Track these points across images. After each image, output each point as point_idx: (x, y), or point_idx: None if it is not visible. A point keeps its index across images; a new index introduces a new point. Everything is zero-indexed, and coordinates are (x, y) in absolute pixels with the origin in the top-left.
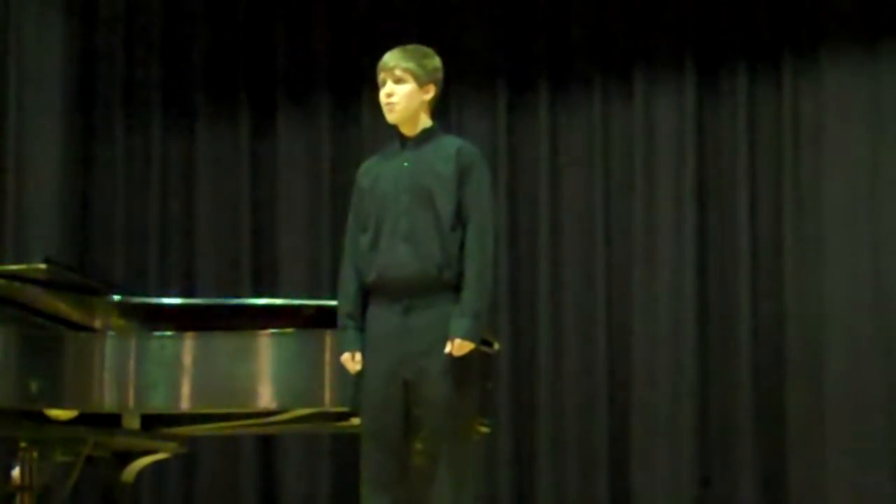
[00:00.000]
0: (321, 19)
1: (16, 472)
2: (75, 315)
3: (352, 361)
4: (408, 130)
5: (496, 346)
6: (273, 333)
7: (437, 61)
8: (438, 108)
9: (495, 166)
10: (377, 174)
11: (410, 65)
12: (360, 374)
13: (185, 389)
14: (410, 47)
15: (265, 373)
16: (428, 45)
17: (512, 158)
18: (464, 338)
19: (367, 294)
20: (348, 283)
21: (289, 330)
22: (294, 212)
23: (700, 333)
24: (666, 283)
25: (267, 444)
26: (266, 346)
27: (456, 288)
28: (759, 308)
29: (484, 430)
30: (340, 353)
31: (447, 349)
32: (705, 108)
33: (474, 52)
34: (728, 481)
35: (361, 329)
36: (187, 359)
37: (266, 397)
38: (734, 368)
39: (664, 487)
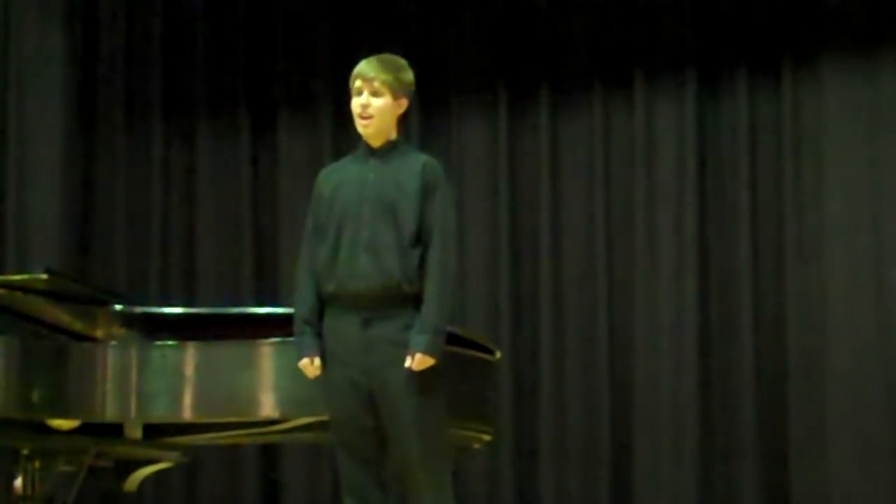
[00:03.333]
0: (321, 24)
1: (18, 482)
2: (77, 325)
3: (311, 367)
4: (375, 141)
5: (498, 354)
6: (275, 342)
7: (412, 75)
8: (439, 115)
9: (496, 173)
10: (339, 182)
11: (389, 77)
12: (323, 386)
13: (187, 399)
14: (387, 58)
15: (267, 382)
16: (428, 51)
17: (512, 164)
18: (424, 352)
19: (322, 302)
20: (305, 289)
21: (290, 339)
22: (295, 217)
23: (702, 338)
24: (667, 289)
25: (269, 454)
26: (268, 355)
27: (416, 300)
28: (761, 313)
29: (486, 437)
30: (298, 360)
31: (407, 363)
32: (706, 114)
33: (475, 57)
34: (731, 484)
35: (318, 334)
36: (189, 368)
37: (268, 406)
38: (736, 372)
39: (666, 491)
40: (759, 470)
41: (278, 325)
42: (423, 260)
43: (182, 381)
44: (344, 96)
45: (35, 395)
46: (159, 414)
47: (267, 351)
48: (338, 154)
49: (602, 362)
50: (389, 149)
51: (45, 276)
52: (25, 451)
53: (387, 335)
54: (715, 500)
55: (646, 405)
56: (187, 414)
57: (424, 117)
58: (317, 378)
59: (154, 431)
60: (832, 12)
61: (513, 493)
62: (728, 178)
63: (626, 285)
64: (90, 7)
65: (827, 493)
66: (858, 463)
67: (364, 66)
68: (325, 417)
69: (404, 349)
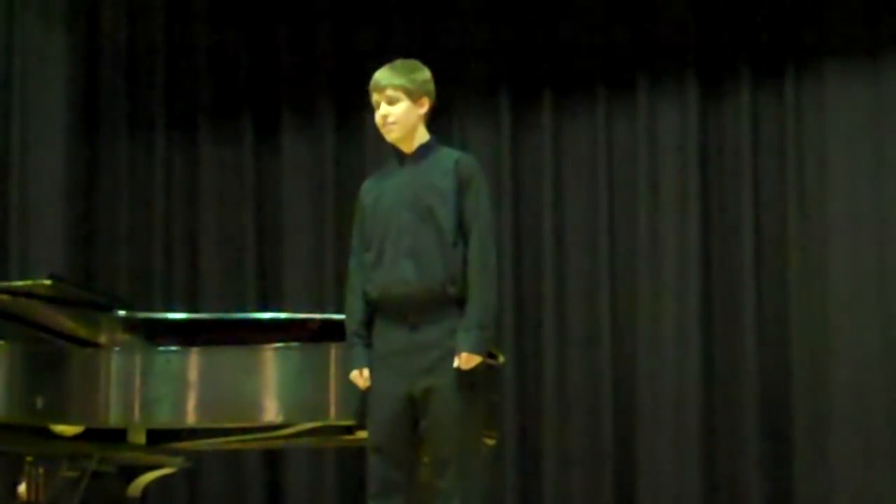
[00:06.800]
0: (324, 29)
1: (22, 487)
2: (80, 331)
3: (361, 378)
4: (406, 147)
5: (501, 358)
6: (278, 347)
7: (427, 73)
8: (441, 119)
9: (499, 175)
10: (379, 192)
11: (401, 81)
12: (368, 389)
13: (191, 404)
14: (398, 63)
15: (270, 387)
16: (431, 54)
17: (515, 167)
18: (470, 351)
19: (374, 311)
20: (354, 300)
21: (294, 344)
22: (298, 223)
23: (705, 340)
24: (670, 292)
25: (272, 459)
26: (271, 360)
27: (461, 302)
28: (764, 315)
29: (490, 442)
30: (349, 371)
31: (455, 363)
32: (708, 118)
33: (477, 61)
34: (734, 486)
35: (368, 345)
36: (192, 373)
37: (271, 411)
38: (739, 374)
39: (670, 495)
40: (762, 472)
41: (282, 331)
42: (465, 257)
43: (185, 387)
44: (347, 102)
45: (39, 401)
46: (163, 419)
47: (270, 356)
48: (340, 158)
49: (605, 365)
50: (421, 152)
51: (48, 282)
52: (29, 457)
53: (432, 340)
54: (718, 502)
55: (649, 408)
56: (191, 419)
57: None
58: (365, 389)
59: (157, 437)
60: (835, 15)
61: (516, 496)
62: (731, 181)
63: (629, 288)
64: (92, 11)
65: (830, 495)
66: (862, 465)
67: (376, 77)
68: (328, 422)
69: (449, 355)
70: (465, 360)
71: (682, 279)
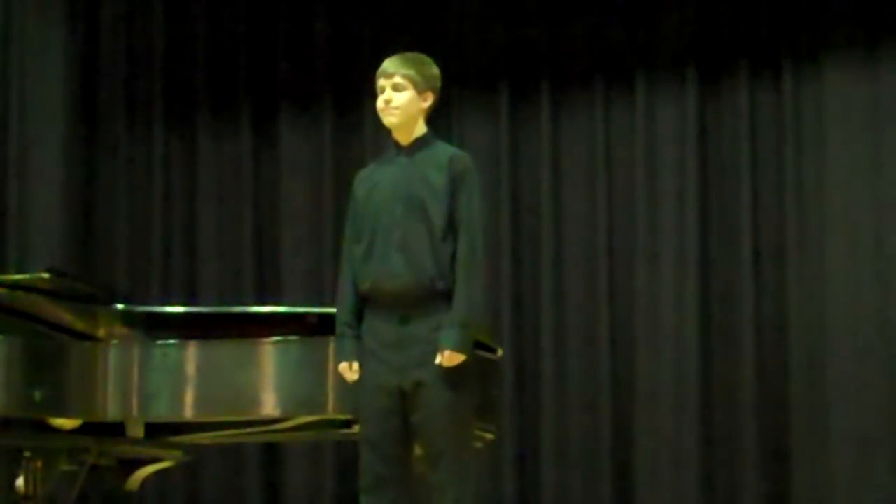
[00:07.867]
0: (322, 24)
1: (20, 481)
2: (78, 324)
3: (349, 371)
4: (403, 138)
5: (499, 351)
6: (276, 341)
7: (436, 69)
8: (440, 114)
9: (497, 171)
10: (373, 183)
11: (410, 71)
12: (358, 383)
13: (189, 398)
14: (409, 55)
15: (268, 380)
16: (429, 49)
17: (514, 163)
18: (453, 349)
19: (364, 303)
20: (345, 292)
21: (292, 338)
22: (296, 218)
23: (703, 337)
24: (669, 288)
25: (271, 452)
26: (269, 354)
27: (451, 297)
28: (762, 311)
29: (489, 436)
30: (338, 363)
31: (437, 360)
32: (707, 112)
33: (476, 56)
34: (732, 485)
35: (358, 338)
36: (191, 367)
37: (269, 405)
38: (737, 371)
39: (668, 492)
40: (760, 470)
41: (279, 324)
42: (455, 254)
43: (183, 380)
44: (345, 96)
45: (37, 395)
46: (161, 413)
47: (268, 350)
48: (338, 153)
49: (603, 361)
50: (418, 145)
51: (46, 276)
52: (27, 451)
53: (420, 334)
54: (716, 500)
55: (647, 404)
56: (189, 413)
57: None
58: (354, 382)
59: (156, 430)
60: (832, 9)
61: (514, 492)
62: (729, 176)
63: (627, 284)
64: (91, 6)
65: (828, 494)
66: (860, 464)
67: (385, 64)
68: (326, 416)
69: (435, 348)
70: (447, 358)
71: (681, 275)
